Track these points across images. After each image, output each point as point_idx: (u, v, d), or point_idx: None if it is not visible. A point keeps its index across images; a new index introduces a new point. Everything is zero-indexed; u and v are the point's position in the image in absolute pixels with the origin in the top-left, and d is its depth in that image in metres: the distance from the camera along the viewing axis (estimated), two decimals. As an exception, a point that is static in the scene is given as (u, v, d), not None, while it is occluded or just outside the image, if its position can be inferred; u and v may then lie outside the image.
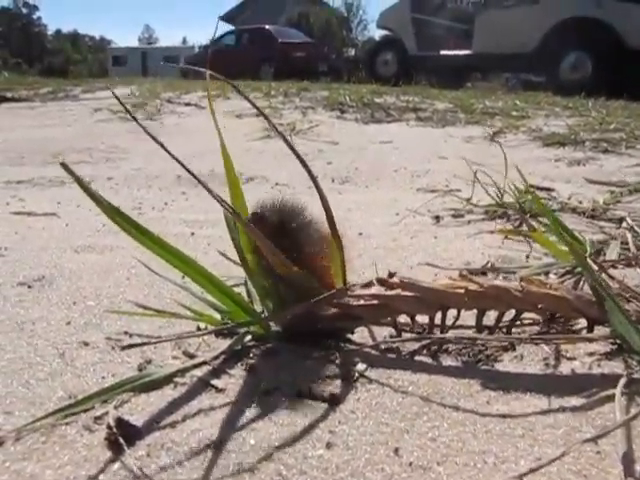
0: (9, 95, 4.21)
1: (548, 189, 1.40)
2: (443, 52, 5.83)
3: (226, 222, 0.61)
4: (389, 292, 0.54)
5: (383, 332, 0.59)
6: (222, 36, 9.93)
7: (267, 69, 8.21)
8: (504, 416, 0.44)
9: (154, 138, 0.52)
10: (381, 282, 0.56)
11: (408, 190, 1.49)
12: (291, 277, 0.52)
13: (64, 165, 0.49)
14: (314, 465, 0.38)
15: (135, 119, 0.59)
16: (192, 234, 1.03)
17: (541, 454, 0.40)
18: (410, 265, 0.83)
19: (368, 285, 0.56)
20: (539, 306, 0.51)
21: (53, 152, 2.12)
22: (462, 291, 0.53)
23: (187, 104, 3.19)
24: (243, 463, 0.38)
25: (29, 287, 0.74)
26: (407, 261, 0.85)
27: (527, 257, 0.85)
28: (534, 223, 1.07)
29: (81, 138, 2.44)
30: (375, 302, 0.54)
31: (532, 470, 0.36)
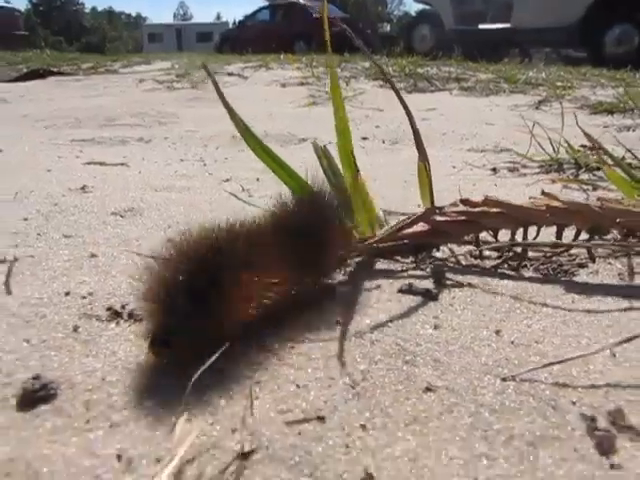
0: (55, 69, 4.32)
1: (600, 148, 1.42)
2: (481, 26, 5.75)
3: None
4: (475, 209, 0.58)
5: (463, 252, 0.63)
6: (256, 12, 9.92)
7: (302, 45, 8.20)
8: (590, 311, 0.49)
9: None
10: (465, 202, 0.60)
11: (459, 150, 1.52)
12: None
13: (205, 67, 0.54)
14: (426, 340, 0.43)
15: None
16: (257, 179, 1.08)
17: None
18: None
19: (453, 205, 0.60)
20: (617, 220, 0.54)
21: (107, 117, 2.19)
22: (544, 208, 0.56)
23: (230, 74, 3.24)
24: (363, 336, 0.43)
25: (121, 216, 0.80)
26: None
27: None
28: (590, 176, 1.10)
29: (131, 105, 2.50)
30: (462, 218, 0.58)
31: (624, 341, 0.41)
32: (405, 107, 0.58)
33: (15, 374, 0.38)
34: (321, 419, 0.33)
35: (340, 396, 0.36)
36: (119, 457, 0.30)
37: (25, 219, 0.76)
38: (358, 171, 0.60)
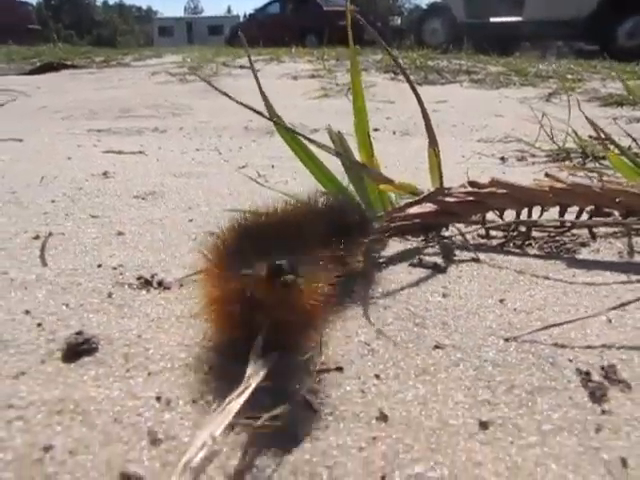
0: (68, 62, 4.37)
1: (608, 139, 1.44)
2: (493, 19, 5.75)
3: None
4: (482, 190, 0.61)
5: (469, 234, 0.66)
6: (267, 5, 9.94)
7: (312, 38, 8.21)
8: (590, 284, 0.52)
9: (237, 94, 0.59)
10: (472, 184, 0.63)
11: (469, 141, 1.54)
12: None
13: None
14: (435, 306, 0.46)
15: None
16: (272, 166, 1.11)
17: (625, 307, 0.47)
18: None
19: (461, 187, 0.63)
20: (617, 200, 0.57)
21: (122, 109, 2.23)
22: (548, 189, 0.59)
23: (242, 67, 3.27)
24: (377, 301, 0.47)
25: (143, 199, 0.83)
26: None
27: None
28: (596, 165, 1.13)
29: (145, 97, 2.54)
30: (470, 199, 0.61)
31: (619, 306, 0.44)
32: (414, 90, 0.61)
33: (58, 332, 0.41)
34: (339, 369, 0.37)
35: (356, 352, 0.39)
36: (158, 399, 0.34)
37: (53, 201, 0.79)
38: (373, 153, 0.63)
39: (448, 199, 0.61)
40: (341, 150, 0.65)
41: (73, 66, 4.24)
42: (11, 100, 2.39)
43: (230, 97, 0.62)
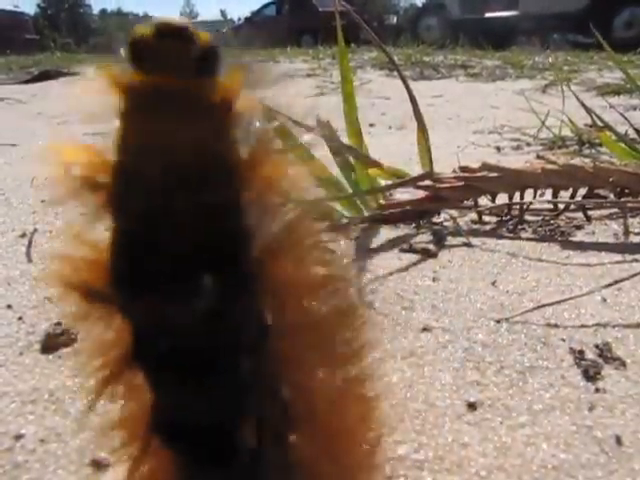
0: (65, 70, 4.38)
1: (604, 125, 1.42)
2: (488, 14, 5.73)
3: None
4: (473, 174, 0.60)
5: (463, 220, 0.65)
6: (263, 7, 9.94)
7: (308, 39, 8.20)
8: (584, 265, 0.50)
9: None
10: (463, 169, 0.62)
11: (464, 132, 1.53)
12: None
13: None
14: (424, 290, 0.45)
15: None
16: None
17: (620, 286, 0.46)
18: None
19: (452, 172, 0.62)
20: (610, 180, 0.56)
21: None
22: (540, 170, 0.58)
23: (237, 68, 3.26)
24: (364, 286, 0.46)
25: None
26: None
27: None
28: (591, 151, 1.12)
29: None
30: (461, 184, 0.60)
31: (613, 283, 0.43)
32: (401, 75, 0.60)
33: (38, 325, 0.40)
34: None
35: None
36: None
37: (42, 201, 0.79)
38: (362, 138, 0.62)
39: (439, 185, 0.60)
40: (327, 134, 0.64)
41: (70, 74, 4.25)
42: (6, 107, 2.39)
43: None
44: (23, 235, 0.62)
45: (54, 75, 3.99)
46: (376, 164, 0.59)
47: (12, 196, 0.81)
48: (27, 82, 3.72)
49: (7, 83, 3.67)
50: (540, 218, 0.63)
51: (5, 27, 8.82)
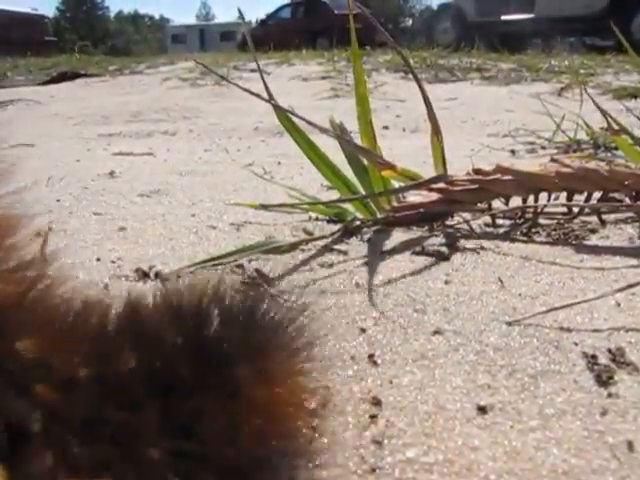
0: (82, 72, 4.43)
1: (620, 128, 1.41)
2: (504, 17, 5.71)
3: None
4: (487, 177, 0.59)
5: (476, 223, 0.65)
6: (278, 10, 9.98)
7: (323, 41, 8.22)
8: (598, 269, 0.50)
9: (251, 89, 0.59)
10: (477, 171, 0.62)
11: (478, 135, 1.53)
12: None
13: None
14: (436, 293, 0.45)
15: (225, 78, 0.66)
16: (279, 163, 1.11)
17: (635, 290, 0.45)
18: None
19: (466, 175, 0.62)
20: (625, 183, 0.55)
21: (133, 113, 2.24)
22: (554, 174, 0.58)
23: (252, 70, 3.27)
24: (376, 290, 0.46)
25: (148, 197, 0.83)
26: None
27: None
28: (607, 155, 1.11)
29: (156, 102, 2.55)
30: (474, 186, 0.59)
31: (627, 287, 0.42)
32: (415, 77, 0.59)
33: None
34: (332, 355, 0.36)
35: (351, 336, 0.38)
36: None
37: (58, 200, 0.79)
38: (375, 140, 0.62)
39: (452, 187, 0.60)
40: (340, 135, 0.64)
41: (87, 75, 4.29)
42: (25, 108, 2.41)
43: (238, 86, 0.62)
44: (38, 234, 0.62)
45: (71, 77, 4.03)
46: (390, 166, 0.58)
47: (28, 195, 0.82)
48: (45, 83, 3.76)
49: (26, 84, 3.72)
50: (554, 222, 0.62)
51: (24, 29, 8.93)
